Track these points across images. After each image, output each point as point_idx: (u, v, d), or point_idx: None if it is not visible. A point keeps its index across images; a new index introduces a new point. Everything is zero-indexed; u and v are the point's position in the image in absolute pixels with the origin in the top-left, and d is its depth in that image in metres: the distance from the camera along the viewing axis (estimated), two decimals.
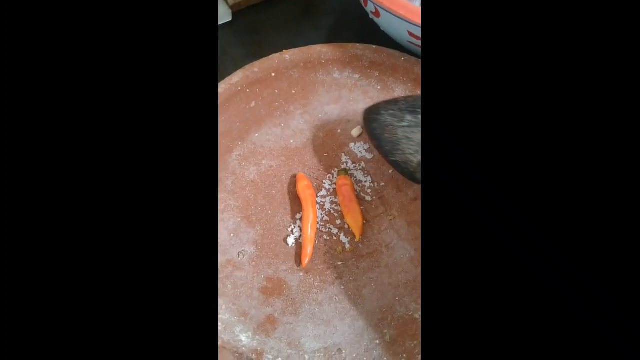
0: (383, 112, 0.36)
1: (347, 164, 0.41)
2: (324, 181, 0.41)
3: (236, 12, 0.52)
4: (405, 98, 0.36)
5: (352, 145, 0.42)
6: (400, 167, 0.36)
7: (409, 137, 0.34)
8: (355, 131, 0.42)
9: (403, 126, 0.34)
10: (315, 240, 0.38)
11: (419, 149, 0.34)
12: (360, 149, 0.42)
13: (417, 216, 0.38)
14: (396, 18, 0.38)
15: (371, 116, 0.37)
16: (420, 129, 0.33)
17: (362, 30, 0.49)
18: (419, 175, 0.35)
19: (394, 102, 0.36)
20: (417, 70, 0.41)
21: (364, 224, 0.38)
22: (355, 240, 0.38)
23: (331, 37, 0.50)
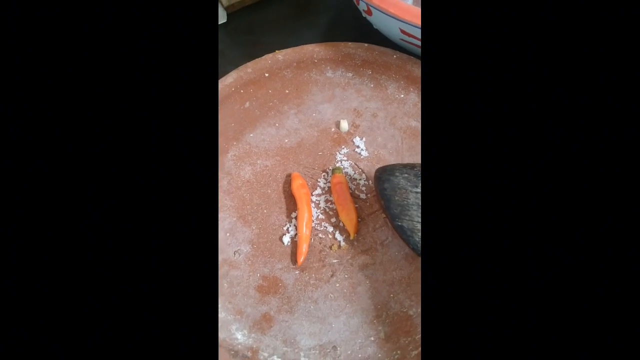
0: (397, 173, 0.35)
1: (341, 162, 0.41)
2: (319, 180, 0.41)
3: (231, 13, 0.52)
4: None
5: (346, 143, 0.42)
6: (405, 234, 0.34)
7: (420, 204, 0.33)
8: (344, 125, 0.42)
9: (416, 192, 0.34)
10: (311, 239, 0.38)
11: None
12: (355, 147, 0.42)
13: None
14: (387, 16, 0.38)
15: (384, 176, 0.36)
16: None
17: (357, 28, 0.50)
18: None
19: (411, 166, 0.35)
20: (409, 67, 0.41)
21: (358, 222, 0.38)
22: (350, 238, 0.38)
23: (326, 36, 0.51)
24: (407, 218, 0.34)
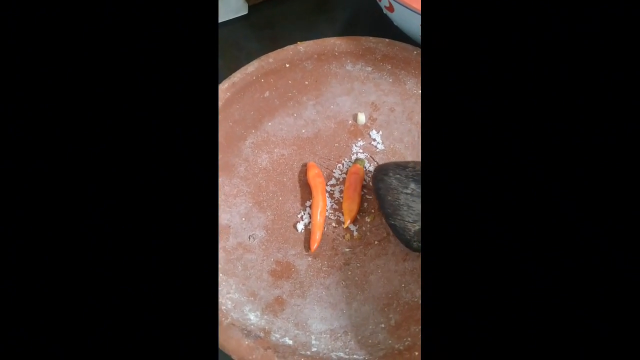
0: (391, 174, 0.36)
1: (357, 155, 0.42)
2: (334, 170, 0.41)
3: (252, 6, 0.53)
4: (415, 165, 0.36)
5: (362, 136, 0.43)
6: (398, 232, 0.36)
7: (410, 205, 0.34)
8: (362, 118, 0.43)
9: (406, 193, 0.35)
10: (324, 227, 0.39)
11: (418, 219, 0.34)
12: (371, 140, 0.43)
13: None
14: (410, 12, 0.39)
15: (379, 176, 0.37)
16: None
17: (376, 25, 0.50)
18: (415, 244, 0.35)
19: (404, 166, 0.36)
20: None
21: (357, 214, 0.39)
22: (343, 227, 0.39)
23: (345, 32, 0.51)
24: (398, 217, 0.35)
